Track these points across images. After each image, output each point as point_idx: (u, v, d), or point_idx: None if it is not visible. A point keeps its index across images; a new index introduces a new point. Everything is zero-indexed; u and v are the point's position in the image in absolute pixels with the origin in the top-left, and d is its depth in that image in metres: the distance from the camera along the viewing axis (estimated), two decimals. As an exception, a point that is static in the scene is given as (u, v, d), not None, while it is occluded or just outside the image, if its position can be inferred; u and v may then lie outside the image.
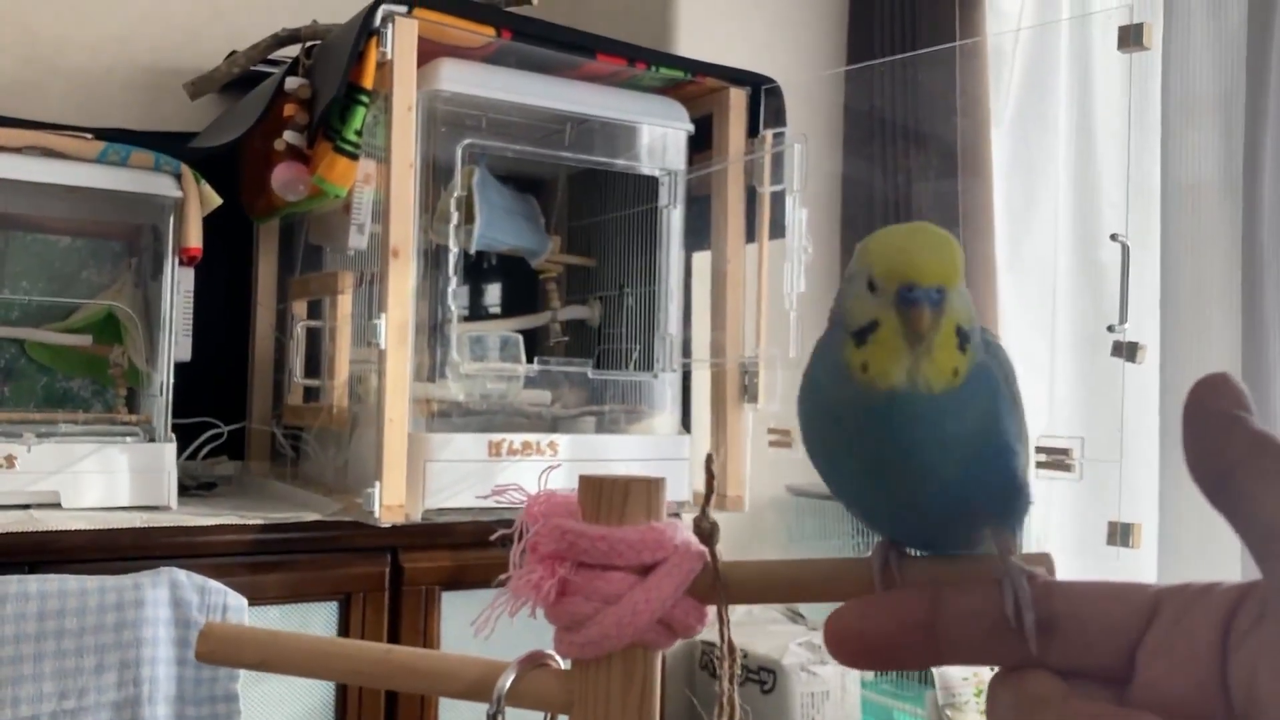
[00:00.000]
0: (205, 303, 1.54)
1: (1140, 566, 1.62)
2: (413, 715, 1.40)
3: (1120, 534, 1.27)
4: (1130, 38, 1.27)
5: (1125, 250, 1.28)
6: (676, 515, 0.33)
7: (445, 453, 1.40)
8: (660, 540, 0.31)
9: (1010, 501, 0.40)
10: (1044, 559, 0.34)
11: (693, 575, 0.31)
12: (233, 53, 1.67)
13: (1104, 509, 1.34)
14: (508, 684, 0.32)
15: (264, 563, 1.33)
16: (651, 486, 0.32)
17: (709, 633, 1.87)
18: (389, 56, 1.34)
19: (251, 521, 1.33)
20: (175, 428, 1.45)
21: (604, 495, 0.32)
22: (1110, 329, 1.27)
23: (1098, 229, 1.65)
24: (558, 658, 0.34)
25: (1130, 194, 1.44)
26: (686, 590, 0.31)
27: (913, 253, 0.36)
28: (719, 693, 0.33)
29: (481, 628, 0.31)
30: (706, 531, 0.32)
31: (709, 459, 0.33)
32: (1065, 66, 1.76)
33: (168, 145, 1.48)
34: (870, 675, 1.73)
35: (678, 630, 0.31)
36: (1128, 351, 1.26)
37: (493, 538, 0.36)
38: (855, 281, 0.38)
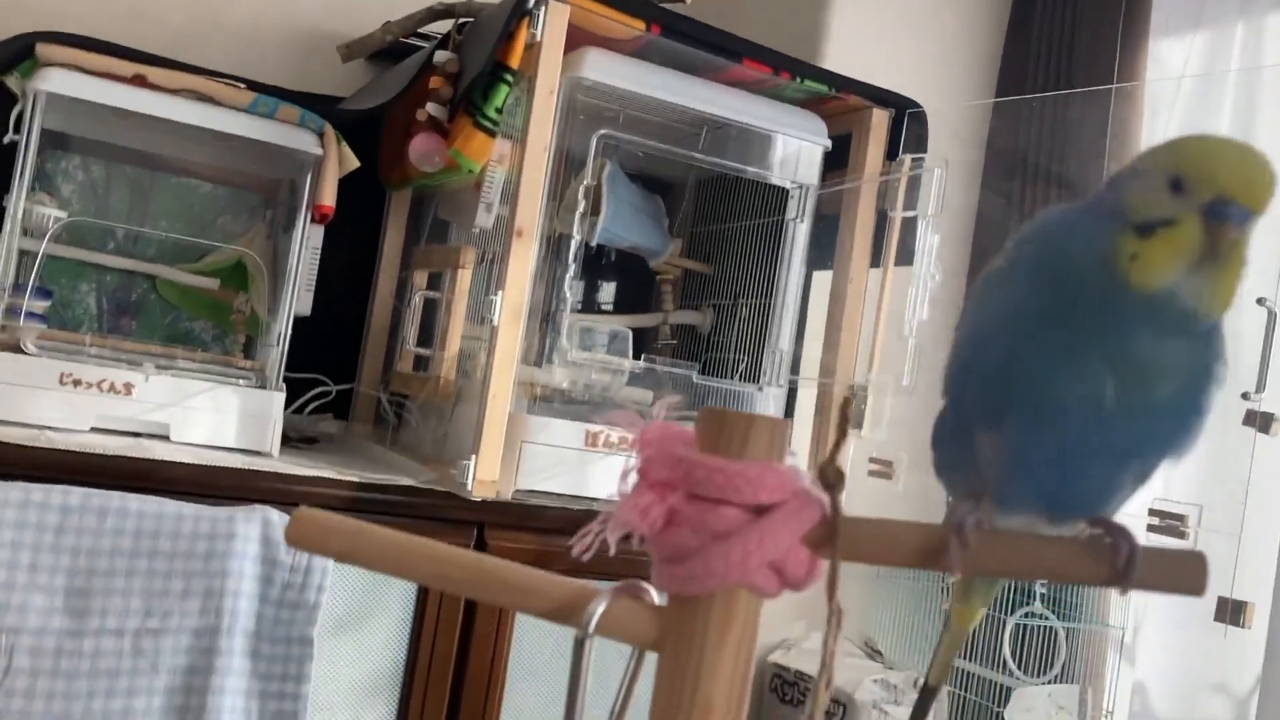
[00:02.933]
0: (331, 263, 1.58)
1: (1248, 647, 1.53)
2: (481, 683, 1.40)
3: (1231, 612, 1.21)
4: (1304, 95, 1.21)
5: (1271, 316, 1.22)
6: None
7: (542, 436, 1.40)
8: (781, 481, 0.29)
9: (1155, 467, 0.40)
10: (1199, 557, 0.31)
11: (810, 524, 0.30)
12: (388, 22, 1.70)
13: (1216, 584, 1.28)
14: (599, 610, 0.31)
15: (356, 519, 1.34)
16: (776, 426, 0.30)
17: (782, 656, 1.83)
18: (538, 38, 1.35)
19: (347, 478, 1.35)
20: (286, 380, 1.48)
21: (725, 427, 0.30)
22: (1245, 396, 1.21)
23: (1242, 292, 1.58)
24: (653, 592, 0.32)
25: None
26: (802, 538, 0.30)
27: (1241, 169, 0.36)
28: (821, 664, 0.31)
29: (580, 549, 0.30)
30: (831, 479, 0.30)
31: (846, 399, 0.31)
32: (1227, 120, 1.69)
33: (315, 106, 1.51)
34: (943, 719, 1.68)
35: (787, 579, 0.30)
36: (1261, 422, 1.20)
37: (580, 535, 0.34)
38: (1149, 177, 0.37)
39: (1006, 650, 1.64)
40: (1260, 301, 1.25)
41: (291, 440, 1.59)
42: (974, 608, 0.54)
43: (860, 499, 1.67)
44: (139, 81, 1.39)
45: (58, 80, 1.35)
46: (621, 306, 1.90)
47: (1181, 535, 1.26)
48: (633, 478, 0.31)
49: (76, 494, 0.98)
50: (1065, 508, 0.39)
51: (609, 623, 0.31)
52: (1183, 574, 0.30)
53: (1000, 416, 0.38)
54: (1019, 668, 1.64)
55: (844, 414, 0.31)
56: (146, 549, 1.01)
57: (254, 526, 1.08)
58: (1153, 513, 1.29)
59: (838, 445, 0.31)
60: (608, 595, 0.32)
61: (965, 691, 1.69)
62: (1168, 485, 1.61)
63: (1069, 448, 0.37)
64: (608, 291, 1.94)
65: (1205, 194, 0.36)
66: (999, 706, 1.62)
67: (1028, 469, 0.38)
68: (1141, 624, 1.68)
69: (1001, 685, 1.65)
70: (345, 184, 1.51)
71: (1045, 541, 0.30)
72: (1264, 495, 1.41)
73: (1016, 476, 0.38)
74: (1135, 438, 0.38)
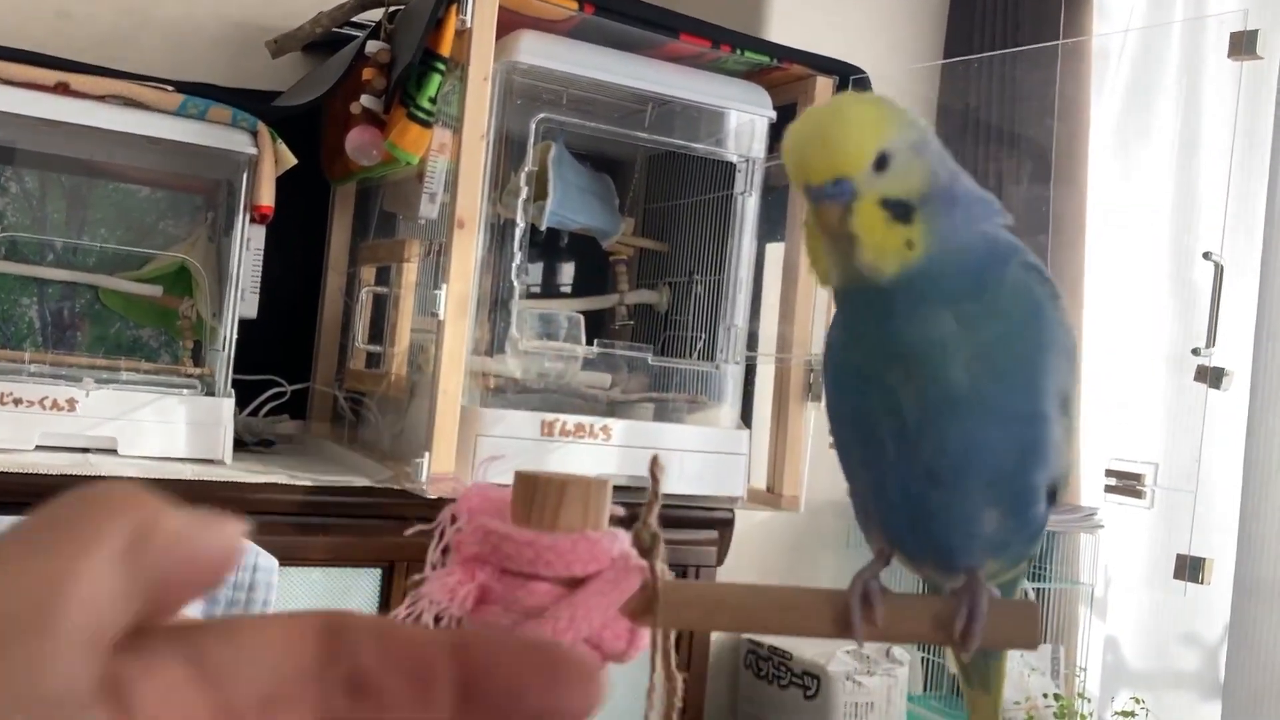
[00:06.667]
0: (279, 262, 1.55)
1: (1215, 598, 1.53)
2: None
3: (1190, 568, 1.21)
4: (1243, 45, 1.19)
5: (1218, 270, 1.21)
6: (623, 523, 0.30)
7: (497, 428, 1.38)
8: (594, 551, 0.28)
9: (1025, 480, 0.36)
10: (1030, 608, 0.30)
11: (628, 593, 0.28)
12: (319, 14, 1.67)
13: (1175, 541, 1.28)
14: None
15: (310, 524, 1.33)
16: (592, 488, 0.29)
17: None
18: (468, 25, 1.33)
19: (300, 482, 1.33)
20: (240, 384, 1.46)
21: (537, 495, 0.29)
22: (1195, 352, 1.20)
23: (1193, 246, 1.57)
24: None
25: (1231, 212, 1.36)
26: (620, 609, 0.28)
27: (804, 146, 0.34)
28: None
29: None
30: (647, 544, 0.29)
31: (653, 461, 0.30)
32: (1174, 73, 1.67)
33: (251, 102, 1.48)
34: (918, 690, 1.68)
35: (606, 653, 0.28)
36: (1212, 377, 1.19)
37: (409, 532, 0.33)
38: None
39: (978, 613, 1.64)
40: (1207, 256, 1.24)
41: (248, 444, 1.57)
42: (995, 689, 0.47)
43: (824, 473, 1.66)
44: (62, 90, 1.35)
45: (-23, 93, 1.31)
46: (578, 289, 1.88)
47: (1138, 494, 1.26)
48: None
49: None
50: (918, 554, 0.37)
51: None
52: (1013, 628, 0.29)
53: (845, 461, 0.38)
54: (991, 630, 1.64)
55: (653, 475, 0.29)
56: (83, 575, 0.99)
57: (194, 544, 1.06)
58: (1109, 473, 1.29)
59: (651, 508, 0.29)
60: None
61: (936, 656, 1.69)
62: (1123, 445, 1.61)
63: (890, 482, 0.36)
64: (563, 275, 1.92)
65: (798, 185, 0.35)
66: (971, 671, 1.62)
67: (878, 512, 0.37)
68: (1112, 579, 1.68)
69: (975, 648, 1.66)
70: (288, 181, 1.48)
71: (903, 604, 0.29)
72: (1221, 450, 1.41)
73: (874, 523, 0.37)
74: (954, 455, 0.35)
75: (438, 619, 0.27)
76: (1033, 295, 0.38)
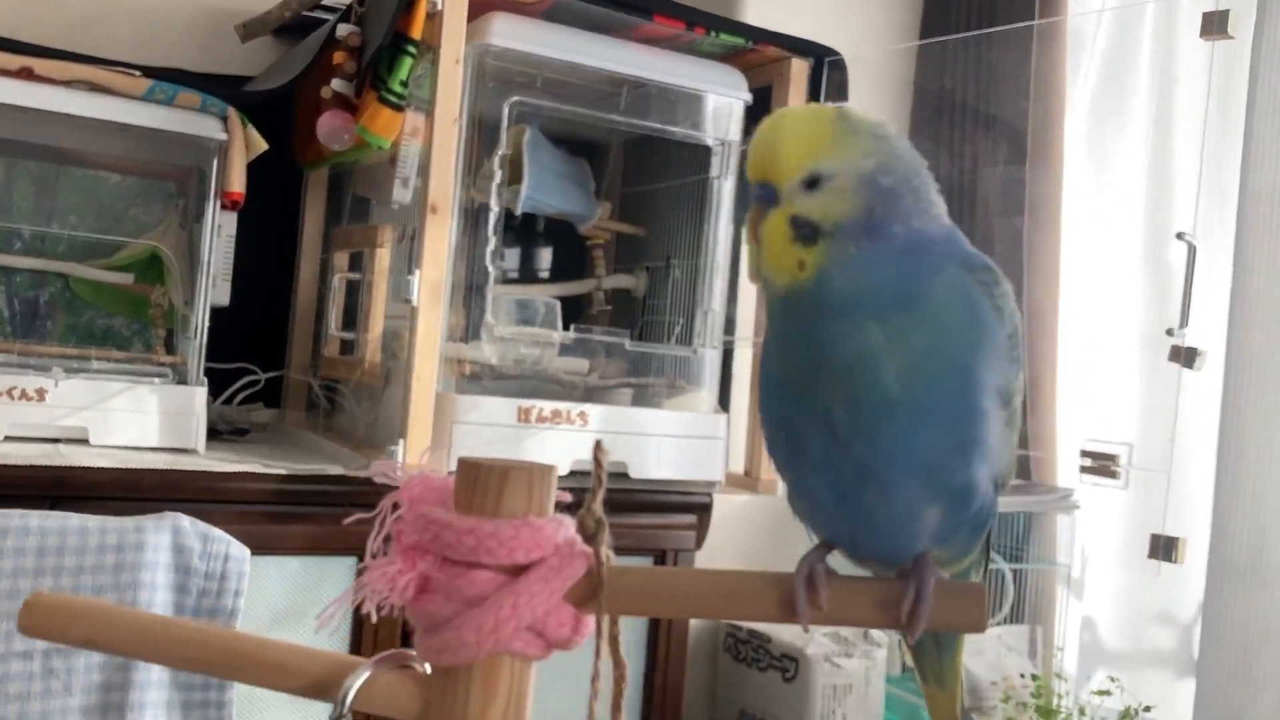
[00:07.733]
0: (252, 248, 1.53)
1: (1190, 577, 1.54)
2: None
3: (1164, 548, 1.21)
4: (1214, 25, 1.20)
5: (1191, 250, 1.21)
6: (567, 508, 0.29)
7: (473, 415, 1.37)
8: (537, 538, 0.27)
9: (965, 476, 0.36)
10: (977, 591, 0.29)
11: (572, 580, 0.28)
12: (289, -3, 1.65)
13: (1150, 521, 1.28)
14: (357, 685, 0.29)
15: (284, 513, 1.32)
16: (535, 474, 0.28)
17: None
18: (439, 7, 1.31)
19: (274, 471, 1.32)
20: (214, 372, 1.44)
21: (479, 482, 0.28)
22: (1170, 332, 1.21)
23: (1167, 227, 1.57)
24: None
25: (1205, 193, 1.36)
26: (565, 596, 0.28)
27: (756, 141, 0.35)
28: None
29: (325, 622, 0.28)
30: (591, 530, 0.28)
31: (597, 445, 0.29)
32: (1148, 53, 1.67)
33: (220, 87, 1.47)
34: (896, 671, 1.69)
35: (550, 641, 0.28)
36: (1186, 357, 1.20)
37: (347, 521, 0.33)
38: None
39: (955, 595, 1.64)
40: (1180, 236, 1.24)
41: (222, 433, 1.55)
42: (951, 684, 0.49)
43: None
44: (26, 74, 1.33)
45: (-60, 79, 1.29)
46: (555, 275, 1.87)
47: (1113, 475, 1.27)
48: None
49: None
50: (858, 551, 0.37)
51: (370, 697, 0.29)
52: (959, 610, 0.28)
53: (775, 462, 0.38)
54: (969, 611, 1.64)
55: (597, 460, 0.29)
56: (51, 566, 0.98)
57: (164, 535, 1.05)
58: (1084, 454, 1.29)
59: (595, 494, 0.29)
60: (369, 668, 0.30)
61: (916, 639, 1.70)
62: (1098, 425, 1.61)
63: (817, 483, 0.36)
64: (540, 260, 1.91)
65: (749, 176, 0.36)
66: (949, 652, 1.63)
67: (810, 512, 0.37)
68: (1088, 559, 1.69)
69: (953, 629, 1.66)
70: (260, 167, 1.46)
71: (850, 587, 0.29)
72: (1196, 430, 1.41)
73: (813, 521, 0.37)
74: (887, 455, 0.35)
75: (379, 608, 0.27)
76: (968, 296, 0.38)
